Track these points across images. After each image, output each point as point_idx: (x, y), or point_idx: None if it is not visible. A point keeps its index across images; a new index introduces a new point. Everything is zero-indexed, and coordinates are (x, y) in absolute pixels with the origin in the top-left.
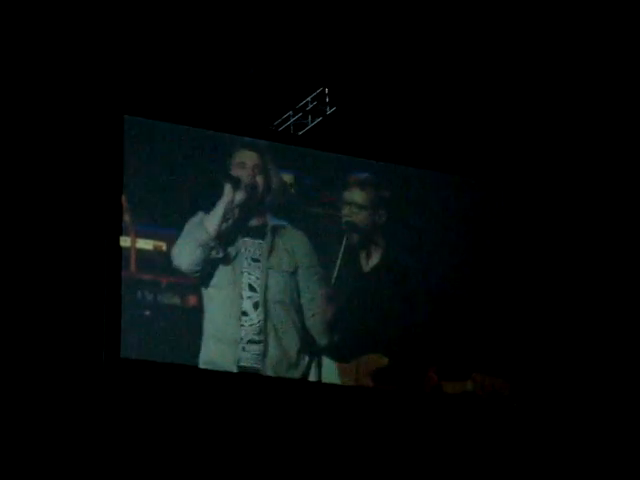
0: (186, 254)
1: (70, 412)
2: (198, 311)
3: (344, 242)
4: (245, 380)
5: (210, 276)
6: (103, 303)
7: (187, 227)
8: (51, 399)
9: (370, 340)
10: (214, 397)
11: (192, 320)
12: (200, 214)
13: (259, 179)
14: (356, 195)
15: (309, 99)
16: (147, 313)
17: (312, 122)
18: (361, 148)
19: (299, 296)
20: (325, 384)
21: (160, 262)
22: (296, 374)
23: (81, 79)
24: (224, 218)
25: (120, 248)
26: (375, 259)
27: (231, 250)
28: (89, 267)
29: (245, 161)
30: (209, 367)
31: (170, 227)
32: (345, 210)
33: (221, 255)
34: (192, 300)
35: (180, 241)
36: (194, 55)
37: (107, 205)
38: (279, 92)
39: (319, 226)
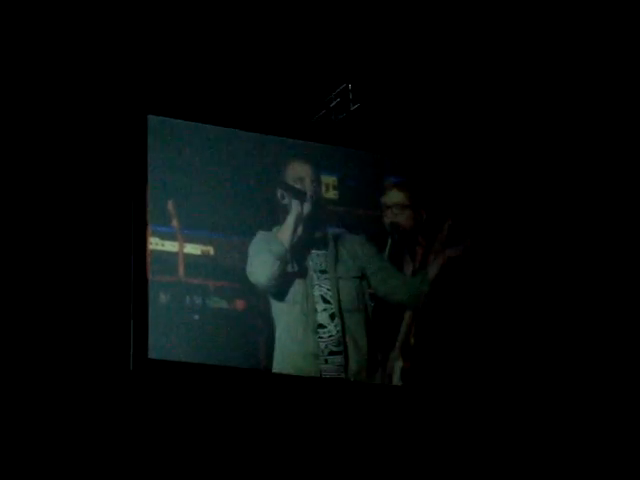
0: (265, 268)
1: (99, 416)
2: (246, 315)
3: (389, 243)
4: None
5: (284, 290)
6: (130, 305)
7: (258, 241)
8: (78, 402)
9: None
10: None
11: (241, 324)
12: (267, 237)
13: (318, 190)
14: (395, 196)
15: (332, 95)
16: (196, 317)
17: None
18: (392, 145)
19: (366, 299)
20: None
21: (208, 266)
22: (378, 379)
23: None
24: (295, 231)
25: (145, 249)
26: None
27: (303, 263)
28: (116, 270)
29: (303, 176)
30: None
31: (218, 232)
32: (388, 211)
33: (296, 269)
34: (239, 304)
35: (255, 255)
36: (212, 54)
37: (131, 205)
38: (302, 90)
39: (368, 228)
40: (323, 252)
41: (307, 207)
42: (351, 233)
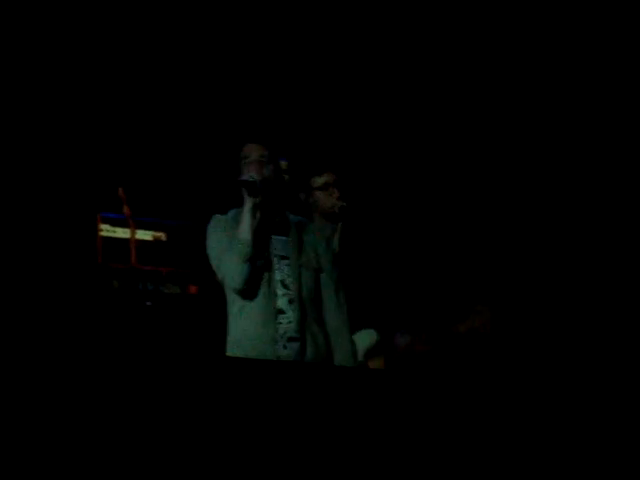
0: (237, 273)
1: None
2: (199, 300)
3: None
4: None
5: (253, 282)
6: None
7: (217, 245)
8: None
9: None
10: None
11: (194, 309)
12: (225, 223)
13: (267, 171)
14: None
15: None
16: (149, 303)
17: None
18: None
19: (327, 294)
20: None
21: (160, 252)
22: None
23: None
24: (253, 224)
25: (96, 235)
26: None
27: (265, 248)
28: (67, 257)
29: (251, 154)
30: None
31: (170, 218)
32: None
33: (263, 262)
34: (192, 289)
35: (221, 262)
36: None
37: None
38: None
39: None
40: (284, 238)
41: (258, 197)
42: (310, 223)
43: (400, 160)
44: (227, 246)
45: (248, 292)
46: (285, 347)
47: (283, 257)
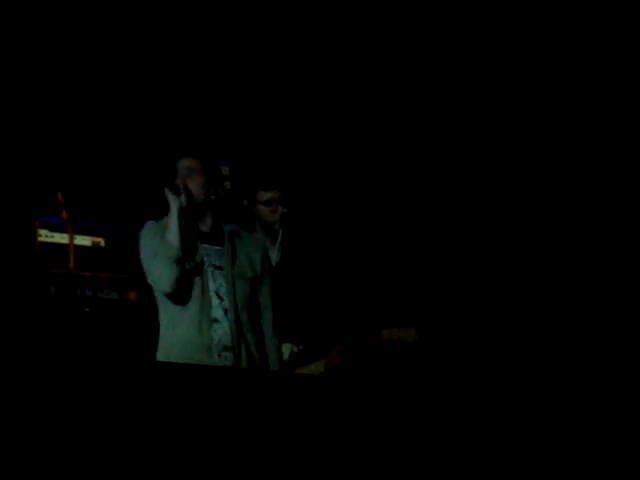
0: (165, 275)
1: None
2: (138, 306)
3: (280, 233)
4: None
5: (183, 289)
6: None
7: (149, 239)
8: None
9: None
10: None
11: (133, 315)
12: (156, 228)
13: (195, 181)
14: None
15: None
16: (87, 309)
17: None
18: None
19: (261, 303)
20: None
21: (99, 258)
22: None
23: None
24: (180, 228)
25: (34, 241)
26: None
27: (197, 258)
28: (5, 262)
29: (193, 167)
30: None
31: (109, 224)
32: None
33: (192, 265)
34: (131, 295)
35: (151, 266)
36: None
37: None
38: None
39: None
40: (218, 248)
41: (184, 200)
42: (246, 231)
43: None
44: (156, 250)
45: (178, 296)
46: (219, 356)
47: (217, 267)
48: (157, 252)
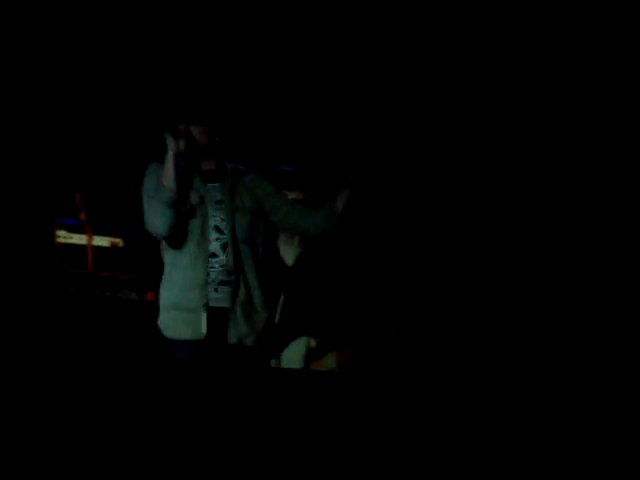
0: (160, 219)
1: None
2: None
3: None
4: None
5: (181, 231)
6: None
7: (146, 192)
8: None
9: None
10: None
11: (151, 316)
12: (158, 170)
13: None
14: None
15: None
16: (106, 310)
17: None
18: None
19: (259, 233)
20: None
21: (118, 258)
22: (262, 315)
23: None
24: (176, 169)
25: (53, 241)
26: None
27: (194, 198)
28: (24, 263)
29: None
30: (173, 312)
31: (127, 224)
32: None
33: (188, 207)
34: (150, 296)
35: (148, 209)
36: None
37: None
38: None
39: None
40: (219, 184)
41: (182, 144)
42: (249, 172)
43: None
44: (152, 194)
45: (176, 239)
46: (216, 290)
47: (218, 202)
48: (153, 196)
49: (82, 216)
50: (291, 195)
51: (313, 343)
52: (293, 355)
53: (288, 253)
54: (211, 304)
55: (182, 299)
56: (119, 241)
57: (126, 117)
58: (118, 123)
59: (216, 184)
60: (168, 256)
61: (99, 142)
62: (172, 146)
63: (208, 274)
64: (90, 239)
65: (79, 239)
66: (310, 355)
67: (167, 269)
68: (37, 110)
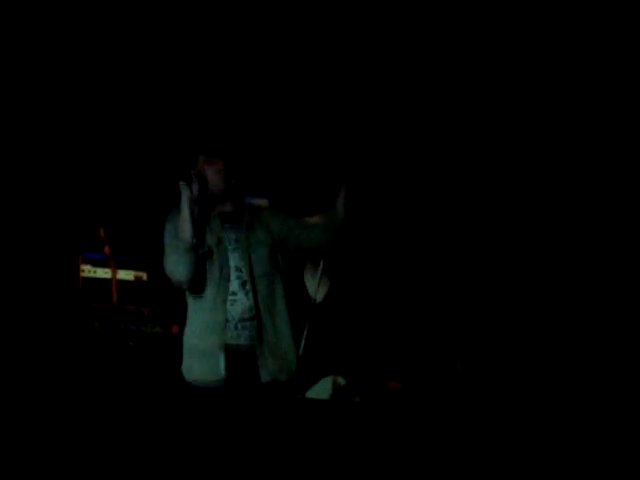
0: (180, 266)
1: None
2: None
3: (321, 265)
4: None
5: (199, 274)
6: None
7: (166, 240)
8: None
9: None
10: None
11: (176, 349)
12: (176, 216)
13: (213, 168)
14: None
15: None
16: (131, 343)
17: None
18: None
19: (277, 267)
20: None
21: (142, 292)
22: (290, 349)
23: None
24: (192, 216)
25: (77, 276)
26: None
27: (212, 240)
28: (49, 298)
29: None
30: (193, 355)
31: (150, 258)
32: None
33: (206, 250)
34: (174, 329)
35: (167, 257)
36: None
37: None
38: None
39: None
40: (237, 224)
41: (195, 188)
42: (266, 208)
43: None
44: (170, 242)
45: (195, 285)
46: (236, 328)
47: (236, 241)
48: (171, 244)
49: (106, 250)
50: (312, 220)
51: (342, 382)
52: (320, 393)
53: (313, 285)
54: (231, 342)
55: (200, 342)
56: (143, 275)
57: (149, 153)
58: (141, 158)
59: (234, 224)
60: (189, 301)
61: (123, 177)
62: (186, 192)
63: (229, 313)
64: (114, 273)
65: (104, 273)
66: (338, 395)
67: (189, 314)
68: (63, 146)
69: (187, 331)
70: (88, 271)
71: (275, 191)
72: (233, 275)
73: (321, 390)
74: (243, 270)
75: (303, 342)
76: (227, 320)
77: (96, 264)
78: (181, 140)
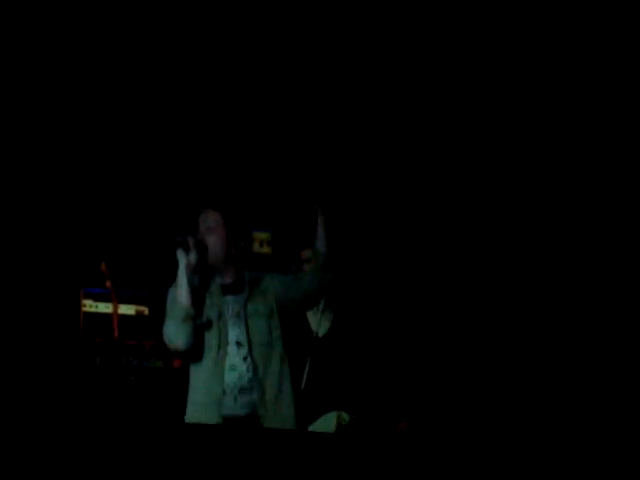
0: (177, 334)
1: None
2: (183, 374)
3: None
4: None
5: (198, 345)
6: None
7: (167, 306)
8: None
9: None
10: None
11: (178, 383)
12: (172, 291)
13: (214, 236)
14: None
15: None
16: (132, 378)
17: None
18: None
19: (277, 334)
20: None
21: (143, 327)
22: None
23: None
24: (190, 285)
25: (79, 311)
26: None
27: (213, 312)
28: (49, 333)
29: (213, 226)
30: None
31: (152, 292)
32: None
33: (204, 320)
34: (176, 363)
35: (166, 324)
36: None
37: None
38: None
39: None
40: (237, 296)
41: (193, 257)
42: (268, 274)
43: None
44: (169, 311)
45: (192, 355)
46: (235, 400)
47: (237, 314)
48: (169, 313)
49: (108, 284)
50: (306, 253)
51: (346, 418)
52: (323, 429)
53: (315, 320)
54: (229, 413)
55: (201, 415)
56: (145, 309)
57: (151, 187)
58: (143, 193)
59: (234, 296)
60: (190, 365)
61: (124, 211)
62: (182, 260)
63: (226, 385)
64: (116, 307)
65: (105, 308)
66: (342, 432)
67: (190, 377)
68: (65, 180)
69: (190, 392)
70: (89, 306)
71: (277, 224)
72: (233, 348)
73: (324, 425)
74: (243, 343)
75: (305, 376)
76: (225, 392)
77: (97, 299)
78: (183, 176)
